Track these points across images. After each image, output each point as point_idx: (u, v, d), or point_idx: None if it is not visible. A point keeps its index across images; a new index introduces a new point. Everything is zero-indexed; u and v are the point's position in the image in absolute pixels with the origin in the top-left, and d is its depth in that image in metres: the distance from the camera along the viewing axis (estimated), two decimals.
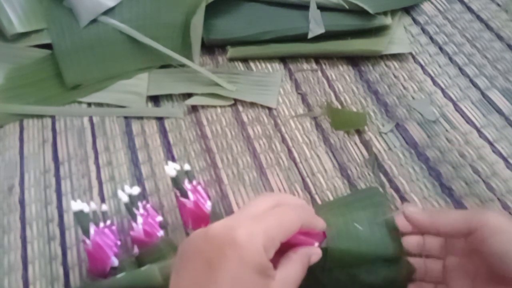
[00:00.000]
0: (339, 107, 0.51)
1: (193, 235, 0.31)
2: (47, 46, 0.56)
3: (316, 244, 0.32)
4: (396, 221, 0.34)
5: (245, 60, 0.56)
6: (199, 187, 0.42)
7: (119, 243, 0.40)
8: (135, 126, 0.52)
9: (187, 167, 0.42)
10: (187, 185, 0.41)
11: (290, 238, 0.30)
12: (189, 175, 0.42)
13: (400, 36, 0.56)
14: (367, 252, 0.33)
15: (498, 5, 0.58)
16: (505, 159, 0.45)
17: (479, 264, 0.31)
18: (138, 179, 0.48)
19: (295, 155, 0.48)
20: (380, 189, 0.44)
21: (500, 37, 0.55)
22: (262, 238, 0.29)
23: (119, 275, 0.37)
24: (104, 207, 0.42)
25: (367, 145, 0.48)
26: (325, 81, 0.54)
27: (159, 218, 0.42)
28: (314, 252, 0.32)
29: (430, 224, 0.33)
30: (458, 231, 0.32)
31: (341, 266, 0.34)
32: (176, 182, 0.40)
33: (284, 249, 0.31)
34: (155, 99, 0.54)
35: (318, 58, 0.56)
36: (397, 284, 0.35)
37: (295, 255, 0.31)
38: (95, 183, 0.48)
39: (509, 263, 0.29)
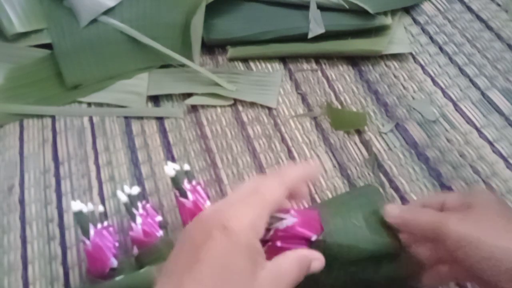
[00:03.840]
0: (339, 107, 0.51)
1: (188, 224, 0.30)
2: (47, 46, 0.56)
3: (314, 236, 0.32)
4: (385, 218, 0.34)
5: (245, 60, 0.56)
6: (198, 187, 0.42)
7: (117, 244, 0.40)
8: (135, 126, 0.52)
9: (186, 167, 0.42)
10: (186, 185, 0.41)
11: (288, 229, 0.31)
12: (189, 175, 0.42)
13: (400, 36, 0.56)
14: (365, 248, 0.33)
15: (498, 5, 0.58)
16: (505, 159, 0.45)
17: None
18: (138, 179, 0.48)
19: (295, 155, 0.48)
20: (380, 188, 0.44)
21: (500, 37, 0.55)
22: (249, 218, 0.28)
23: (118, 278, 0.37)
24: (101, 207, 0.42)
25: (367, 145, 0.48)
26: (325, 81, 0.53)
27: (159, 218, 0.42)
28: (316, 258, 0.31)
29: (403, 225, 0.33)
30: (427, 237, 0.32)
31: (339, 263, 0.34)
32: (176, 182, 0.40)
33: (283, 240, 0.31)
34: (155, 99, 0.54)
35: (318, 58, 0.56)
36: (397, 281, 0.34)
37: (293, 253, 0.30)
38: (95, 183, 0.48)
39: (484, 270, 0.29)
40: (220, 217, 0.29)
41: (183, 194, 0.40)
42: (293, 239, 0.32)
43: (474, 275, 0.30)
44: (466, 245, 0.29)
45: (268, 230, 0.32)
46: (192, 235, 0.29)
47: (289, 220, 0.32)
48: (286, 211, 0.33)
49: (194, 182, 0.42)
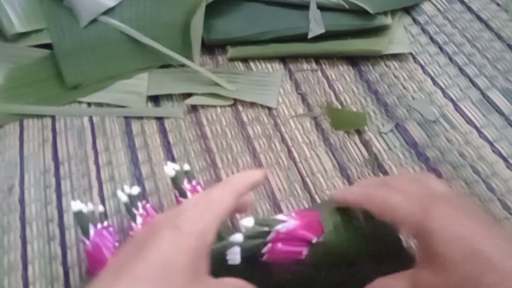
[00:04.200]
0: (339, 107, 0.51)
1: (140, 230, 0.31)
2: (47, 46, 0.56)
3: (315, 238, 0.32)
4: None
5: (245, 60, 0.56)
6: (198, 187, 0.42)
7: (117, 244, 0.40)
8: (135, 126, 0.52)
9: (186, 167, 0.42)
10: (186, 185, 0.41)
11: (290, 231, 0.31)
12: (189, 175, 0.42)
13: (400, 36, 0.56)
14: (366, 248, 0.33)
15: (498, 5, 0.58)
16: (505, 159, 0.45)
17: None
18: (138, 179, 0.48)
19: (295, 155, 0.48)
20: None
21: (500, 37, 0.55)
22: (200, 225, 0.28)
23: None
24: (101, 207, 0.42)
25: (367, 145, 0.48)
26: (325, 81, 0.53)
27: None
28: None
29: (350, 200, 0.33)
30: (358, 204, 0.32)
31: (338, 263, 0.34)
32: (175, 182, 0.40)
33: (284, 242, 0.31)
34: (155, 99, 0.54)
35: (318, 58, 0.56)
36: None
37: (232, 282, 0.30)
38: (95, 183, 0.48)
39: None
40: (171, 220, 0.29)
41: (183, 194, 0.40)
42: (294, 241, 0.32)
43: None
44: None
45: (268, 232, 0.32)
46: (141, 235, 0.29)
47: (291, 223, 0.32)
48: (287, 214, 0.33)
49: (194, 182, 0.42)
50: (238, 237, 0.32)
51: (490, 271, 0.25)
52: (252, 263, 0.33)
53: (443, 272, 0.26)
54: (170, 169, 0.39)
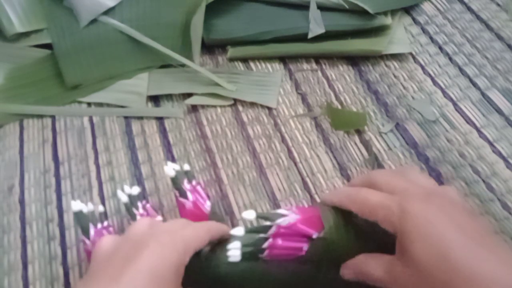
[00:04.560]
0: (339, 107, 0.51)
1: (103, 242, 0.33)
2: (47, 46, 0.56)
3: (315, 234, 0.32)
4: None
5: (245, 60, 0.56)
6: (198, 187, 0.42)
7: None
8: (135, 126, 0.52)
9: (186, 167, 0.42)
10: (186, 185, 0.41)
11: (290, 226, 0.31)
12: (189, 175, 0.42)
13: (400, 36, 0.56)
14: (365, 245, 0.33)
15: (498, 5, 0.58)
16: (505, 159, 0.45)
17: None
18: (138, 179, 0.48)
19: (295, 155, 0.48)
20: None
21: (500, 37, 0.55)
22: (182, 242, 0.31)
23: None
24: (101, 207, 0.42)
25: (367, 145, 0.48)
26: (325, 81, 0.54)
27: (159, 218, 0.42)
28: None
29: (359, 277, 0.32)
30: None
31: (338, 260, 0.34)
32: (175, 182, 0.40)
33: (284, 238, 0.32)
34: (155, 99, 0.54)
35: (318, 58, 0.56)
36: None
37: None
38: (95, 183, 0.48)
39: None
40: (156, 233, 0.32)
41: (183, 194, 0.40)
42: (294, 236, 0.32)
43: None
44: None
45: (269, 227, 0.32)
46: (121, 248, 0.31)
47: (291, 217, 0.32)
48: (288, 208, 0.33)
49: (194, 182, 0.42)
50: (239, 230, 0.32)
51: (456, 275, 0.25)
52: (253, 262, 0.33)
53: (416, 271, 0.27)
54: (170, 169, 0.39)
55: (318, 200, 0.44)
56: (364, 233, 0.34)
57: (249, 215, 0.32)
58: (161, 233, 0.32)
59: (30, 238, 0.45)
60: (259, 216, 0.32)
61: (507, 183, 0.44)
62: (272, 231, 0.32)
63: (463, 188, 0.44)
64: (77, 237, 0.44)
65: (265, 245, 0.32)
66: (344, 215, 0.34)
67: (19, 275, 0.43)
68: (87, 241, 0.38)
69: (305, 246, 0.32)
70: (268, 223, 0.32)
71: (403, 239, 0.28)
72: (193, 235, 0.33)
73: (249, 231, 0.33)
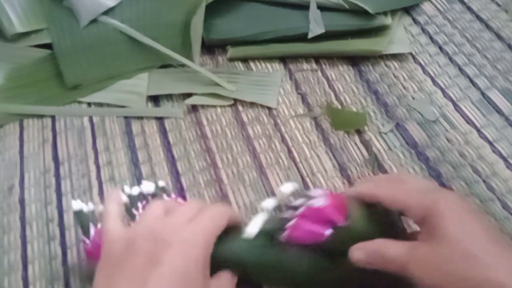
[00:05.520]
0: (339, 107, 0.51)
1: (115, 235, 0.33)
2: (47, 46, 0.56)
3: (341, 222, 0.32)
4: None
5: (245, 60, 0.56)
6: (180, 199, 0.42)
7: None
8: (135, 126, 0.52)
9: (161, 183, 0.42)
10: (166, 198, 0.41)
11: (321, 209, 0.31)
12: (165, 190, 0.42)
13: (400, 36, 0.56)
14: (384, 235, 0.33)
15: (498, 5, 0.58)
16: (505, 159, 0.45)
17: None
18: (138, 179, 0.48)
19: (295, 155, 0.48)
20: None
21: (500, 37, 0.55)
22: (203, 235, 0.31)
23: None
24: (101, 207, 0.42)
25: (367, 145, 0.48)
26: (325, 81, 0.54)
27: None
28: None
29: (374, 265, 0.32)
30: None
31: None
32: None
33: (310, 220, 0.31)
34: (155, 99, 0.54)
35: (318, 58, 0.56)
36: (404, 282, 0.34)
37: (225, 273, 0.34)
38: (95, 183, 0.48)
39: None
40: (175, 227, 0.32)
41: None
42: (319, 220, 0.32)
43: None
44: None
45: (296, 207, 0.32)
46: (146, 240, 0.31)
47: (323, 200, 0.31)
48: (320, 191, 0.32)
49: (173, 196, 0.42)
50: (271, 202, 0.32)
51: (476, 270, 0.26)
52: (266, 245, 0.33)
53: (438, 247, 0.28)
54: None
55: None
56: (381, 232, 0.33)
57: (287, 188, 0.32)
58: (180, 227, 0.32)
59: (30, 238, 0.45)
60: (296, 193, 0.31)
61: (507, 183, 0.44)
62: (300, 211, 0.32)
63: (463, 188, 0.44)
64: (77, 237, 0.44)
65: (290, 223, 0.32)
66: (368, 208, 0.34)
67: (19, 275, 0.43)
68: (87, 241, 0.38)
69: (327, 232, 0.32)
70: (298, 202, 0.32)
71: (438, 221, 0.29)
72: (212, 223, 0.33)
73: (279, 206, 0.32)
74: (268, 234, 0.33)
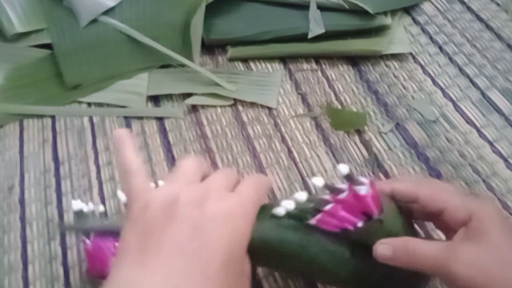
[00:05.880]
0: (339, 107, 0.51)
1: (149, 199, 0.28)
2: (47, 46, 0.56)
3: (376, 214, 0.31)
4: None
5: (245, 60, 0.56)
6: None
7: (117, 244, 0.40)
8: (135, 126, 0.52)
9: (161, 183, 0.41)
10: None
11: (362, 197, 0.30)
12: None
13: (400, 36, 0.56)
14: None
15: (498, 5, 0.58)
16: (505, 159, 0.45)
17: None
18: None
19: (295, 154, 0.48)
20: None
21: (500, 37, 0.55)
22: (252, 209, 0.29)
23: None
24: (101, 207, 0.42)
25: (367, 145, 0.48)
26: (325, 81, 0.54)
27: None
28: None
29: (403, 263, 0.31)
30: (429, 271, 0.31)
31: (367, 250, 0.33)
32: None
33: (346, 209, 0.31)
34: (155, 99, 0.54)
35: (318, 58, 0.56)
36: (417, 279, 0.34)
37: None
38: (95, 183, 0.48)
39: None
40: (221, 199, 0.29)
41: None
42: (357, 209, 0.31)
43: None
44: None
45: (339, 192, 0.31)
46: (190, 217, 0.28)
47: (367, 189, 0.30)
48: (365, 180, 0.31)
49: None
50: (302, 195, 0.31)
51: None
52: (294, 227, 0.32)
53: (486, 249, 0.28)
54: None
55: None
56: (408, 228, 0.33)
57: (318, 181, 0.30)
58: (225, 197, 0.29)
59: (30, 238, 0.45)
60: (349, 177, 0.30)
61: (507, 183, 0.44)
62: (343, 195, 0.31)
63: (463, 188, 0.44)
64: (77, 237, 0.44)
65: (327, 207, 0.31)
66: (397, 206, 0.33)
67: (19, 275, 0.43)
68: (87, 241, 0.38)
69: (359, 223, 0.31)
70: (342, 186, 0.31)
71: (484, 225, 0.29)
72: (257, 194, 0.30)
73: (326, 185, 0.31)
74: (298, 215, 0.32)
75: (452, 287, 0.29)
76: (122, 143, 0.31)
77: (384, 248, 0.31)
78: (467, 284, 0.27)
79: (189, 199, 0.28)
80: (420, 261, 0.29)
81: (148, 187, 0.30)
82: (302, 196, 0.31)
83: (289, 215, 0.32)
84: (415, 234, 0.34)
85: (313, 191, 0.41)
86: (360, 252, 0.32)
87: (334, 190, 0.31)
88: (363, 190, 0.30)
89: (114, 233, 0.34)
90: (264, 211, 0.32)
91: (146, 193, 0.29)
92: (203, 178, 0.31)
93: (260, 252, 0.31)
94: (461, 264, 0.28)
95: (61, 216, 0.46)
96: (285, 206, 0.32)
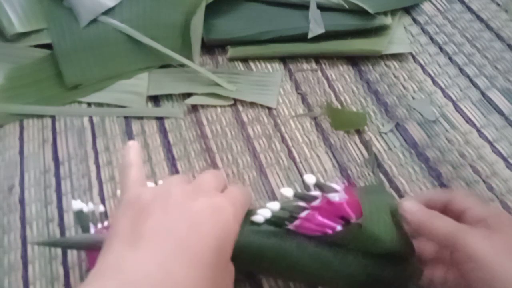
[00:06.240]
0: (339, 107, 0.51)
1: (142, 189, 0.30)
2: (47, 46, 0.56)
3: (354, 218, 0.31)
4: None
5: (245, 60, 0.56)
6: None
7: None
8: (135, 126, 0.52)
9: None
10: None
11: (338, 204, 0.31)
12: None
13: (400, 36, 0.56)
14: (390, 244, 0.33)
15: (498, 5, 0.58)
16: (505, 159, 0.45)
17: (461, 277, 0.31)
18: None
19: (295, 154, 0.48)
20: (405, 186, 0.44)
21: (500, 37, 0.55)
22: (240, 207, 0.30)
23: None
24: (102, 207, 0.42)
25: (367, 145, 0.48)
26: (325, 81, 0.54)
27: None
28: None
29: (417, 226, 0.32)
30: (441, 243, 0.32)
31: (357, 252, 0.33)
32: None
33: (323, 214, 0.31)
34: (155, 99, 0.54)
35: (318, 58, 0.56)
36: (400, 282, 0.34)
37: None
38: (95, 183, 0.48)
39: None
40: (211, 196, 0.30)
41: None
42: (333, 214, 0.31)
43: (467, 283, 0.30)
44: (474, 262, 0.28)
45: (312, 198, 0.31)
46: (186, 209, 0.29)
47: (341, 195, 0.31)
48: (339, 185, 0.32)
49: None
50: (274, 205, 0.32)
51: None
52: (273, 232, 0.33)
53: (500, 231, 0.30)
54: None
55: None
56: (390, 231, 0.33)
57: (287, 192, 0.31)
58: (215, 195, 0.30)
59: (30, 238, 0.45)
60: (318, 185, 0.31)
61: (507, 183, 0.44)
62: (316, 202, 0.31)
63: (463, 188, 0.44)
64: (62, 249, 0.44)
65: (303, 214, 0.31)
66: (377, 208, 0.33)
67: (19, 275, 0.43)
68: None
69: (338, 227, 0.31)
70: (315, 193, 0.31)
71: (497, 219, 0.31)
72: (244, 198, 0.31)
73: (297, 196, 0.31)
74: (277, 221, 0.32)
75: (461, 266, 0.30)
76: (129, 150, 0.33)
77: (410, 203, 0.32)
78: (480, 256, 0.28)
79: (180, 191, 0.29)
80: (438, 227, 0.31)
81: (144, 183, 0.31)
82: (275, 205, 0.32)
83: (268, 221, 0.32)
84: (409, 244, 0.34)
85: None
86: (343, 254, 0.33)
87: (307, 199, 0.31)
88: (336, 197, 0.31)
89: (94, 246, 0.34)
90: (244, 219, 0.32)
91: (140, 186, 0.31)
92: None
93: (242, 256, 0.32)
94: (477, 236, 0.29)
95: (61, 216, 0.46)
96: (262, 214, 0.32)
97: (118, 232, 0.28)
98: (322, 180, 0.45)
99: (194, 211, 0.28)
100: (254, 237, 0.32)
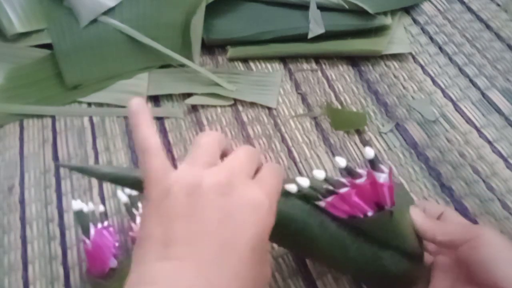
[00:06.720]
0: (339, 107, 0.51)
1: (171, 181, 0.26)
2: (47, 46, 0.56)
3: (388, 206, 0.31)
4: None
5: (245, 60, 0.56)
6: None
7: (117, 244, 0.40)
8: None
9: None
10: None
11: (380, 185, 0.30)
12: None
13: (400, 36, 0.56)
14: (408, 241, 0.33)
15: (498, 5, 0.58)
16: (505, 159, 0.45)
17: (463, 269, 0.31)
18: None
19: (295, 154, 0.48)
20: (405, 186, 0.44)
21: (500, 37, 0.55)
22: (274, 199, 0.28)
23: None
24: (101, 207, 0.42)
25: (367, 145, 0.48)
26: (325, 81, 0.54)
27: None
28: None
29: (429, 231, 0.32)
30: (452, 244, 0.31)
31: (373, 243, 0.33)
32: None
33: (359, 195, 0.31)
34: (155, 99, 0.54)
35: (318, 58, 0.56)
36: (406, 282, 0.34)
37: None
38: (95, 183, 0.48)
39: (490, 273, 0.29)
40: (245, 186, 0.27)
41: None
42: (369, 198, 0.31)
43: (470, 274, 0.30)
44: (492, 246, 0.29)
45: (357, 176, 0.31)
46: (220, 205, 0.26)
47: (385, 177, 0.30)
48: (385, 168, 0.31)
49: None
50: (305, 181, 0.31)
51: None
52: (301, 206, 0.32)
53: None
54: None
55: None
56: (410, 229, 0.33)
57: (320, 174, 0.30)
58: (249, 185, 0.27)
59: (30, 238, 0.45)
60: (372, 162, 0.30)
61: (507, 183, 0.44)
62: (361, 180, 0.30)
63: (463, 188, 0.44)
64: (77, 237, 0.44)
65: (343, 190, 0.31)
66: (402, 204, 0.33)
67: (19, 275, 0.43)
68: (87, 241, 0.39)
69: (369, 213, 0.31)
70: (362, 171, 0.31)
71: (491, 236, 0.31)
72: (278, 183, 0.29)
73: (346, 168, 0.30)
74: (308, 195, 0.32)
75: (474, 263, 0.30)
76: (139, 117, 0.28)
77: (419, 224, 0.33)
78: (493, 249, 0.29)
79: (213, 184, 0.26)
80: (453, 225, 0.32)
81: (168, 168, 0.27)
82: (320, 174, 0.31)
83: (299, 194, 0.32)
84: (422, 248, 0.34)
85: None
86: (361, 241, 0.32)
87: (353, 174, 0.31)
88: (382, 178, 0.30)
89: (126, 181, 0.31)
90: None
91: (166, 175, 0.26)
92: (223, 154, 0.30)
93: None
94: (491, 232, 0.30)
95: (61, 216, 0.46)
96: (299, 182, 0.31)
97: (149, 240, 0.25)
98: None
99: (231, 210, 0.25)
100: (280, 206, 0.30)
